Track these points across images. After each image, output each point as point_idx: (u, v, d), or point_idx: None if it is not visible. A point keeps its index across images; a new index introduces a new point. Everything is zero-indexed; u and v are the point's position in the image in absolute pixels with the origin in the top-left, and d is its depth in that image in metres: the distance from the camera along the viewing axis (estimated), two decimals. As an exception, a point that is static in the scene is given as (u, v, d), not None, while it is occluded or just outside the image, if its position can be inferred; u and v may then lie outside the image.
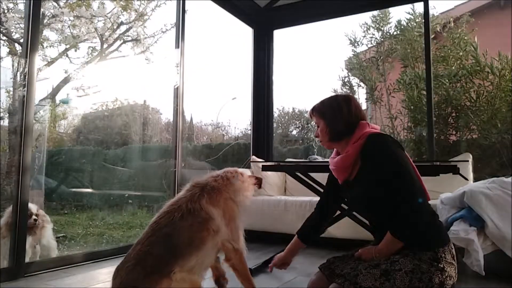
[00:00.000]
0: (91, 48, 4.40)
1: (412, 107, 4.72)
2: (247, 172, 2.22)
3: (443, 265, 1.39)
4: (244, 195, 1.91)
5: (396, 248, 1.43)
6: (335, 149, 1.75)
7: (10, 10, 3.66)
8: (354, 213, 2.71)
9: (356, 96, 5.62)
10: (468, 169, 3.44)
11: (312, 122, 7.13)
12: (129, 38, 4.54)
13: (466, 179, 2.82)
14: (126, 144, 5.62)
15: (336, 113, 1.64)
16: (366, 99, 5.59)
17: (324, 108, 1.70)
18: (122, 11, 4.44)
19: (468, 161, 3.47)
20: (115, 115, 5.55)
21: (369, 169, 1.51)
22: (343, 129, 1.62)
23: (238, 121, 7.63)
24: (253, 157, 4.48)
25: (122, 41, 4.51)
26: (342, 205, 2.82)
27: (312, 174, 2.94)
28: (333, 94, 1.78)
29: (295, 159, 4.63)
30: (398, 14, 5.85)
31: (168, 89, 3.76)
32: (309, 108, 1.78)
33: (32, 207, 2.73)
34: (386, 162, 1.46)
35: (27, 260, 2.55)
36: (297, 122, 7.64)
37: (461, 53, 4.61)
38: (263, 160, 4.39)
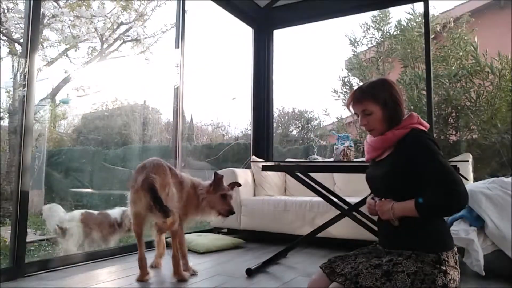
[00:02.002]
0: (91, 48, 4.41)
1: (412, 107, 4.72)
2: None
3: (446, 268, 1.38)
4: None
5: (409, 215, 1.41)
6: None
7: (10, 10, 3.66)
8: (354, 213, 2.71)
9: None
10: (468, 169, 3.44)
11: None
12: (129, 38, 4.54)
13: (466, 179, 2.82)
14: (126, 144, 5.62)
15: (397, 98, 1.55)
16: (366, 99, 5.58)
17: (379, 91, 1.55)
18: (122, 11, 4.44)
19: (468, 161, 3.47)
20: (115, 115, 5.55)
21: (399, 158, 1.49)
22: (403, 114, 1.56)
23: (238, 121, 7.62)
24: (253, 157, 4.48)
25: (122, 41, 4.51)
26: (342, 205, 2.83)
27: (312, 174, 2.94)
28: (375, 79, 1.62)
29: (295, 159, 4.63)
30: (398, 14, 5.85)
31: (168, 89, 3.76)
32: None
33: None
34: (422, 156, 1.42)
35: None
36: (297, 122, 7.63)
37: (461, 53, 4.61)
38: (263, 160, 4.39)
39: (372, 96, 1.55)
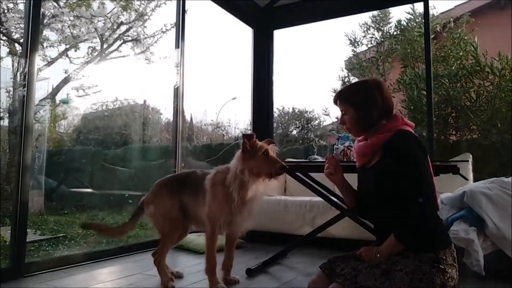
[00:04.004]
0: (91, 48, 4.41)
1: (412, 107, 4.71)
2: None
3: (444, 267, 1.38)
4: None
5: (397, 250, 1.43)
6: None
7: (10, 10, 3.66)
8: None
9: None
10: (468, 169, 3.44)
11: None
12: (129, 38, 4.54)
13: (466, 179, 2.81)
14: (126, 144, 5.62)
15: (369, 101, 1.54)
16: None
17: (354, 95, 1.58)
18: (122, 11, 4.44)
19: (468, 161, 3.47)
20: (115, 115, 5.55)
21: (387, 164, 1.48)
22: (377, 118, 1.54)
23: (238, 121, 7.63)
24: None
25: (122, 41, 4.51)
26: (342, 205, 2.83)
27: (312, 174, 2.94)
28: (361, 79, 1.67)
29: (295, 159, 4.63)
30: (398, 14, 5.86)
31: (168, 89, 3.76)
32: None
33: None
34: (405, 164, 1.42)
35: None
36: (297, 122, 7.64)
37: (461, 53, 4.61)
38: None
39: (346, 98, 1.60)
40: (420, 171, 1.42)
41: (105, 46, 4.41)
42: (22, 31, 2.91)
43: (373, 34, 5.51)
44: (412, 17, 5.07)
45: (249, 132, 2.08)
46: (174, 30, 3.89)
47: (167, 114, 6.11)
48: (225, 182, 2.12)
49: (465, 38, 4.69)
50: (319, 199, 2.93)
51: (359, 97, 1.57)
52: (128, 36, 4.53)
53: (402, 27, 5.18)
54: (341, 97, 1.62)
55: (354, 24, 6.03)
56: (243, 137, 2.06)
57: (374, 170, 1.56)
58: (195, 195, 2.29)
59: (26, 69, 2.52)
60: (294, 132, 7.70)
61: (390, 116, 1.57)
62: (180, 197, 2.34)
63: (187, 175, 2.43)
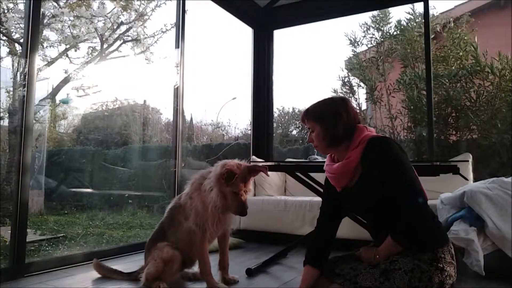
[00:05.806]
0: (91, 48, 4.41)
1: (412, 107, 4.71)
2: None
3: (443, 265, 1.39)
4: None
5: (396, 251, 1.43)
6: (329, 155, 1.69)
7: (10, 10, 3.67)
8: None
9: (356, 96, 5.62)
10: (468, 169, 3.44)
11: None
12: (129, 38, 4.54)
13: (466, 179, 2.81)
14: (126, 144, 5.62)
15: (335, 116, 1.56)
16: (366, 99, 5.58)
17: (320, 111, 1.61)
18: (122, 11, 4.45)
19: (468, 161, 3.47)
20: (115, 115, 5.55)
21: (372, 173, 1.47)
22: (343, 134, 1.55)
23: (238, 121, 7.63)
24: (253, 157, 4.47)
25: (122, 41, 4.52)
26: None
27: (312, 174, 2.94)
28: (327, 96, 1.68)
29: (295, 159, 4.63)
30: (398, 14, 5.85)
31: (168, 89, 3.76)
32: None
33: None
34: (390, 166, 1.43)
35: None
36: (297, 122, 7.64)
37: (461, 53, 4.61)
38: (263, 160, 4.38)
39: (313, 115, 1.62)
40: (408, 170, 1.43)
41: (105, 46, 4.41)
42: (22, 31, 2.91)
43: (373, 34, 5.50)
44: (412, 17, 5.07)
45: (234, 170, 2.09)
46: (174, 30, 3.89)
47: (167, 114, 6.12)
48: (202, 188, 2.19)
49: (465, 38, 4.69)
50: (319, 199, 2.92)
51: (326, 114, 1.59)
52: (128, 36, 4.53)
53: (402, 27, 5.18)
54: (308, 115, 1.64)
55: (354, 24, 6.02)
56: (225, 172, 2.07)
57: (360, 185, 1.53)
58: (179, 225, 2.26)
59: (26, 69, 2.52)
60: (294, 132, 7.70)
61: (354, 131, 1.57)
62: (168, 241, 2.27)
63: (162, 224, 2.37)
